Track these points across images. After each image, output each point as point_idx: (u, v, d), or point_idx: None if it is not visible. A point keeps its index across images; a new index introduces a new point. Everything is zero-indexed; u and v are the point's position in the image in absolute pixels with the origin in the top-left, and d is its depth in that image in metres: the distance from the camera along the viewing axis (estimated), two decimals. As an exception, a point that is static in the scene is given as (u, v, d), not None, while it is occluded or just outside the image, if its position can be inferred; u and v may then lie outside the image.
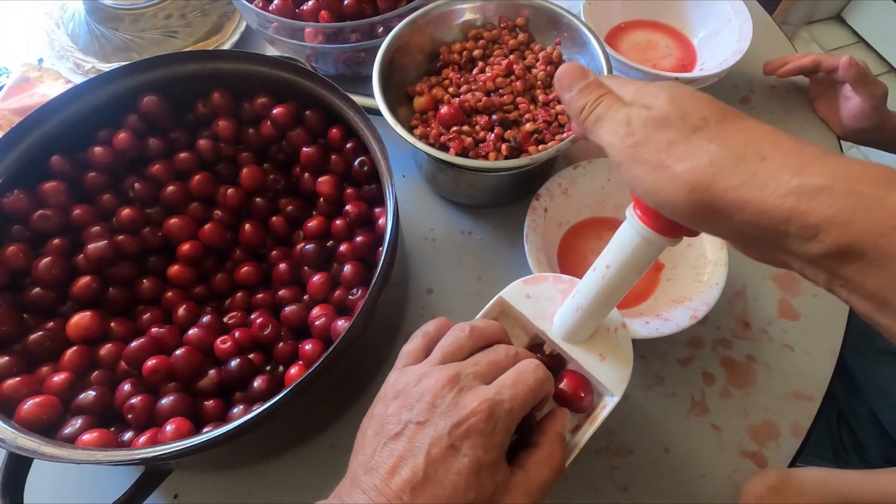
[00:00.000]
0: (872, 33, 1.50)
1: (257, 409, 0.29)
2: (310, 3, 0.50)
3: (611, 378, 0.30)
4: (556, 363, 0.32)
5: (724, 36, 0.57)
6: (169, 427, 0.32)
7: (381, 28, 0.48)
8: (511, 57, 0.47)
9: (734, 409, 0.41)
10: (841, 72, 0.51)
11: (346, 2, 0.50)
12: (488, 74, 0.46)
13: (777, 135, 0.20)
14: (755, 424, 0.40)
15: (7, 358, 0.34)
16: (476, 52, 0.48)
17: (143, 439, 0.32)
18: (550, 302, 0.32)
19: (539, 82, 0.46)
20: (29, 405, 0.31)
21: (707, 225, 0.21)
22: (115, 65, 0.56)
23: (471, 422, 0.23)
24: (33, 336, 0.35)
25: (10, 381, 0.33)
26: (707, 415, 0.41)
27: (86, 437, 0.31)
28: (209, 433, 0.28)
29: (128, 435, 0.33)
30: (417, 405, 0.24)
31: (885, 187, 0.17)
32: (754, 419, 0.41)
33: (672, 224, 0.23)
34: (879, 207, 0.17)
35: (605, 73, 0.43)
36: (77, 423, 0.32)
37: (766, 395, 0.42)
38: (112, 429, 0.33)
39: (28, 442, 0.29)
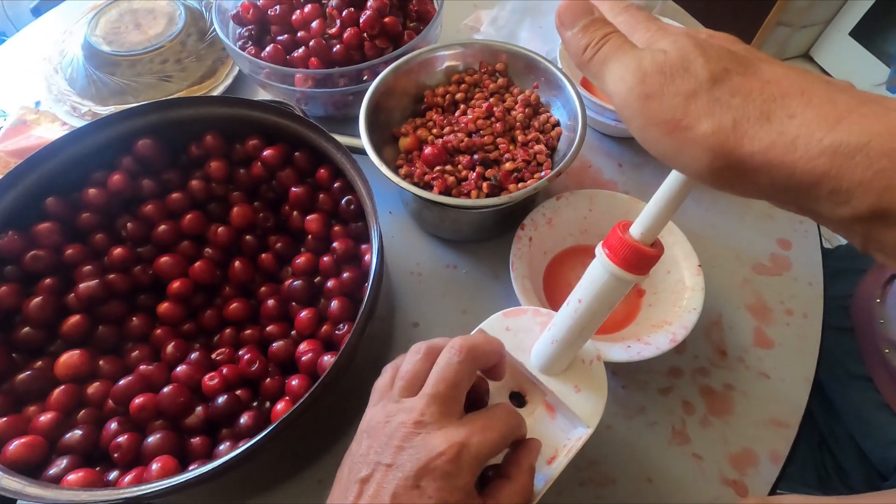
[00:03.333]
0: (839, 70, 1.57)
1: (243, 446, 0.29)
2: (300, 50, 0.53)
3: (585, 409, 0.31)
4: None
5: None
6: (155, 465, 0.32)
7: (368, 73, 0.51)
8: (491, 100, 0.50)
9: (714, 437, 0.42)
10: None
11: (334, 49, 0.53)
12: (470, 116, 0.48)
13: (807, 82, 0.18)
14: (735, 452, 0.41)
15: (-6, 398, 0.34)
16: (458, 96, 0.50)
17: (128, 478, 0.32)
18: (529, 334, 0.33)
19: (518, 123, 0.49)
20: (15, 446, 0.32)
21: (731, 188, 0.19)
22: (111, 108, 0.58)
23: (436, 464, 0.23)
24: (21, 376, 0.36)
25: (-3, 422, 0.33)
26: (688, 444, 0.42)
27: (71, 476, 0.31)
28: (195, 471, 0.29)
29: (113, 474, 0.33)
30: (386, 447, 0.24)
31: None
32: (734, 447, 0.41)
33: (639, 262, 0.25)
34: None
35: (580, 115, 0.45)
36: (63, 462, 0.32)
37: (744, 423, 0.43)
38: (98, 468, 0.33)
39: (12, 483, 0.29)
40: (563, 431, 0.32)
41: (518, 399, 0.34)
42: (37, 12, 0.96)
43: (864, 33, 1.46)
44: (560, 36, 0.23)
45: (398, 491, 0.23)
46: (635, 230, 0.24)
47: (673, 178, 0.23)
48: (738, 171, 0.18)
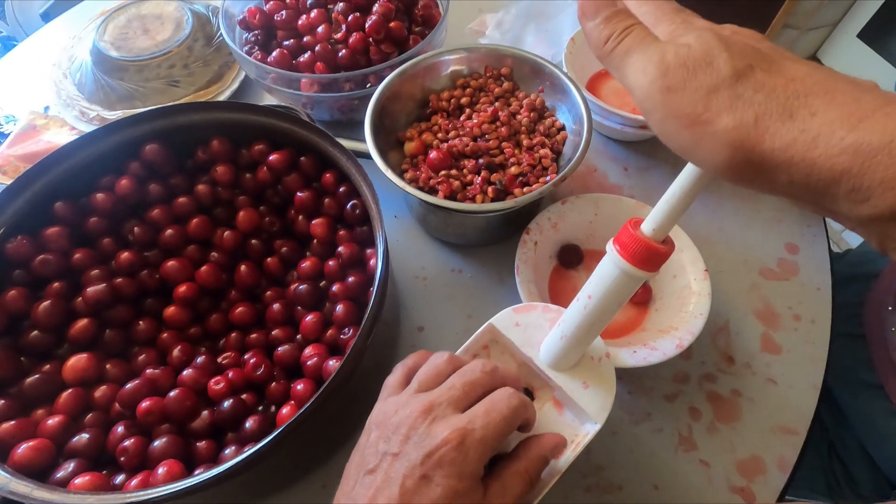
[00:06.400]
0: (847, 73, 1.56)
1: (248, 451, 0.29)
2: (306, 55, 0.53)
3: (593, 405, 0.31)
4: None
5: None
6: (161, 469, 0.32)
7: (374, 78, 0.51)
8: (496, 104, 0.50)
9: (721, 444, 0.42)
10: None
11: (340, 54, 0.53)
12: (475, 121, 0.48)
13: (831, 82, 0.18)
14: (742, 459, 0.41)
15: (3, 401, 0.35)
16: (463, 100, 0.51)
17: (134, 482, 0.32)
18: (538, 330, 0.33)
19: (523, 128, 0.48)
20: (23, 449, 0.32)
21: (749, 184, 0.19)
22: (118, 112, 0.59)
23: (442, 451, 0.23)
24: (29, 379, 0.36)
25: (6, 425, 0.33)
26: (695, 450, 0.41)
27: (78, 480, 0.31)
28: (200, 475, 0.29)
29: (120, 478, 0.33)
30: (393, 436, 0.25)
31: None
32: (741, 454, 0.41)
33: (650, 259, 0.24)
34: None
35: (586, 119, 0.45)
36: (70, 466, 0.32)
37: (752, 430, 0.42)
38: (104, 472, 0.33)
39: (20, 486, 0.29)
40: (571, 427, 0.32)
41: (526, 394, 0.34)
42: (47, 17, 0.97)
43: (873, 35, 1.45)
44: (581, 27, 0.22)
45: (405, 481, 0.23)
46: (646, 227, 0.24)
47: (686, 175, 0.23)
48: (757, 168, 0.18)
